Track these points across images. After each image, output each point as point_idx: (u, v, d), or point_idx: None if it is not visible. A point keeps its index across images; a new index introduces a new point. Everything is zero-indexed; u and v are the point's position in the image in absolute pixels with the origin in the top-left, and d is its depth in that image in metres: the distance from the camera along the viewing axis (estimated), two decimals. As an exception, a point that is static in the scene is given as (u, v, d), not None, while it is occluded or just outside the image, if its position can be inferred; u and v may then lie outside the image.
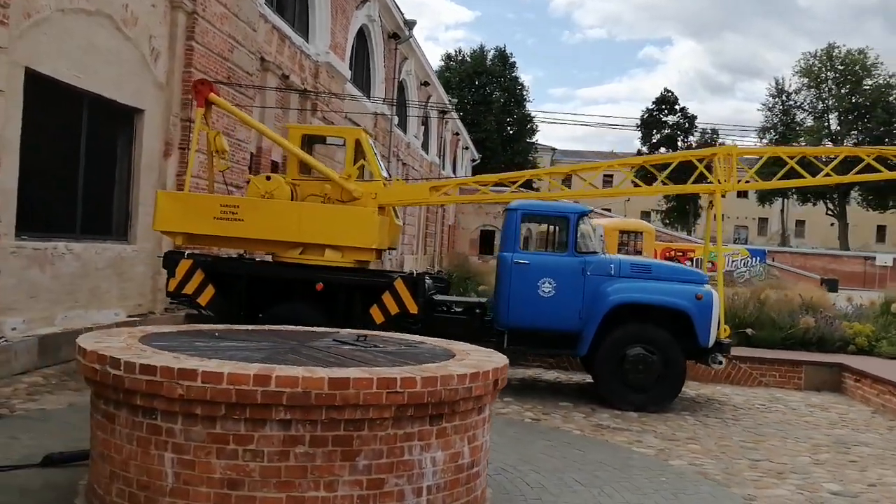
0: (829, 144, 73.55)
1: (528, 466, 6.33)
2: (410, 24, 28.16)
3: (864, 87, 71.30)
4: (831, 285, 40.69)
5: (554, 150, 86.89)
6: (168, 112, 12.63)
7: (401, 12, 26.90)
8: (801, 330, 12.76)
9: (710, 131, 74.36)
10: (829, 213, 75.79)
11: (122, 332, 5.50)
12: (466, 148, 55.19)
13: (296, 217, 9.56)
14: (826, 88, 73.50)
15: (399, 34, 27.66)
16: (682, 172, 10.16)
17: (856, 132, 71.61)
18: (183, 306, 10.10)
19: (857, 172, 10.08)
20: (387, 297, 9.07)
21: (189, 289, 9.22)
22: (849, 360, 11.79)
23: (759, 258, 55.44)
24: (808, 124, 74.51)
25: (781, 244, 76.29)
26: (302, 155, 10.09)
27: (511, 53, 75.74)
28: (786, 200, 79.06)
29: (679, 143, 73.05)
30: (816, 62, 73.78)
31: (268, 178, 9.97)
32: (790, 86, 75.56)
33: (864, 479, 6.77)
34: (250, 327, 6.49)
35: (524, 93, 76.21)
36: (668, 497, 5.82)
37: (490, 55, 75.83)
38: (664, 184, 10.51)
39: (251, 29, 15.30)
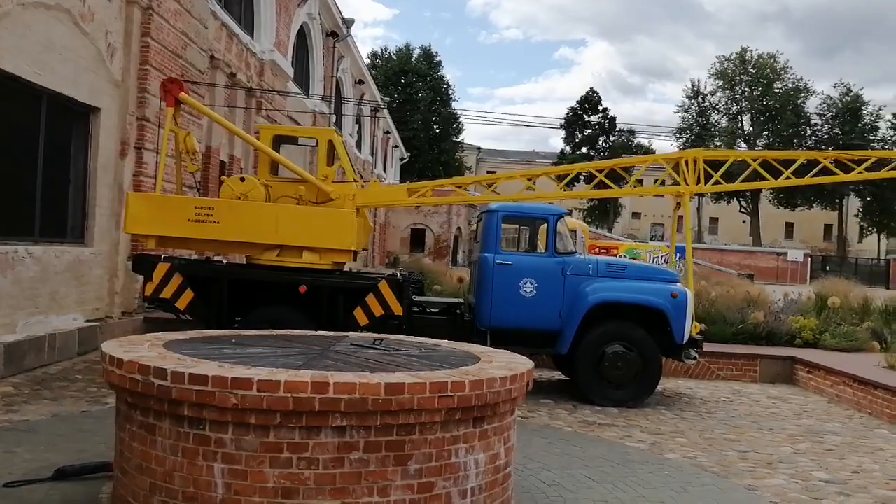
0: (743, 145, 76.55)
1: (535, 464, 6.44)
2: (349, 23, 28.00)
3: (775, 90, 74.39)
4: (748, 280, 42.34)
5: (479, 149, 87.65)
6: (124, 110, 12.26)
7: (339, 11, 26.72)
8: (752, 325, 13.29)
9: (626, 132, 76.57)
10: (743, 210, 78.77)
11: (144, 340, 5.35)
12: (396, 146, 55.16)
13: (273, 219, 9.43)
14: (739, 91, 76.35)
15: (337, 32, 27.47)
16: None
17: (767, 133, 74.65)
18: (160, 311, 9.82)
19: (814, 175, 10.58)
20: (371, 300, 9.05)
21: (167, 293, 8.99)
22: (798, 353, 12.35)
23: (680, 254, 57.44)
24: (723, 125, 77.25)
25: (696, 241, 78.86)
26: (277, 157, 9.96)
27: (436, 52, 75.88)
28: (701, 199, 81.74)
29: (600, 143, 74.73)
30: (730, 65, 76.56)
31: (242, 179, 9.80)
32: (705, 88, 78.25)
33: (845, 466, 7.15)
34: (261, 332, 6.39)
35: (450, 91, 76.56)
36: (678, 490, 6.02)
37: (415, 54, 75.89)
38: (627, 187, 10.76)
39: (203, 26, 14.98)
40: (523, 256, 9.58)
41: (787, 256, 63.67)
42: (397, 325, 9.05)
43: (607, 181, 10.37)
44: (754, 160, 10.51)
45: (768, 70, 74.80)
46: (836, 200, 74.00)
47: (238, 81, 17.87)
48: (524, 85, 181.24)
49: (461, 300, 10.62)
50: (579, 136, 74.44)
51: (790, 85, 74.70)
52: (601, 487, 5.95)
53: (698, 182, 10.04)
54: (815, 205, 75.30)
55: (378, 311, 9.01)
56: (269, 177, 10.14)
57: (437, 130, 74.30)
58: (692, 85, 79.01)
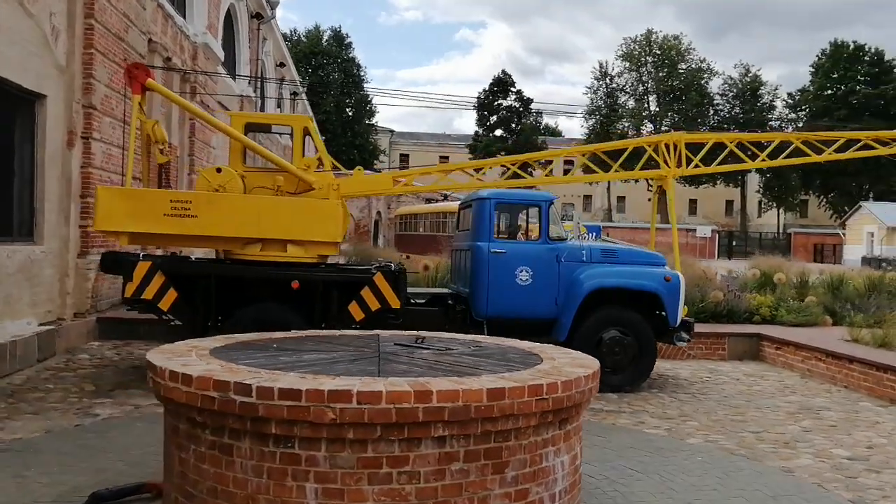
0: (650, 126, 78.63)
1: (572, 458, 6.32)
2: (273, 4, 27.12)
3: (679, 70, 76.57)
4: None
5: (392, 131, 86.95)
6: (70, 98, 11.44)
7: (264, -9, 25.85)
8: (713, 303, 13.58)
9: (534, 112, 77.47)
10: (650, 188, 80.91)
11: (183, 349, 4.94)
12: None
13: (255, 211, 8.97)
14: (645, 72, 78.24)
15: (262, 14, 26.57)
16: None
17: (672, 113, 76.84)
18: (141, 312, 9.20)
19: (787, 156, 10.84)
20: (366, 293, 8.72)
21: (149, 293, 8.41)
22: (762, 330, 12.69)
23: (595, 234, 58.59)
24: (631, 106, 79.07)
25: (605, 220, 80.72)
26: (254, 146, 9.47)
27: (347, 34, 74.72)
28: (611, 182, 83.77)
29: (514, 125, 75.27)
30: (636, 47, 78.34)
31: (218, 170, 9.26)
32: (613, 69, 79.81)
33: (857, 442, 7.33)
34: (288, 335, 6.03)
35: (361, 74, 75.64)
36: (721, 477, 6.02)
37: (326, 35, 74.56)
38: (613, 170, 10.75)
39: (141, 7, 14.16)
40: (517, 244, 9.43)
41: (695, 233, 65.82)
42: (393, 318, 8.76)
43: (592, 166, 10.31)
44: (734, 143, 10.65)
45: (673, 52, 76.90)
46: (739, 178, 76.95)
47: (173, 65, 16.98)
48: (426, 66, 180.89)
49: (446, 290, 10.38)
50: (493, 118, 74.68)
51: (693, 66, 77.03)
52: (649, 479, 5.90)
53: (679, 165, 10.09)
54: (718, 182, 78.09)
55: (374, 304, 8.70)
56: (241, 167, 9.64)
57: (351, 114, 73.37)
58: (600, 67, 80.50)
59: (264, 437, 4.00)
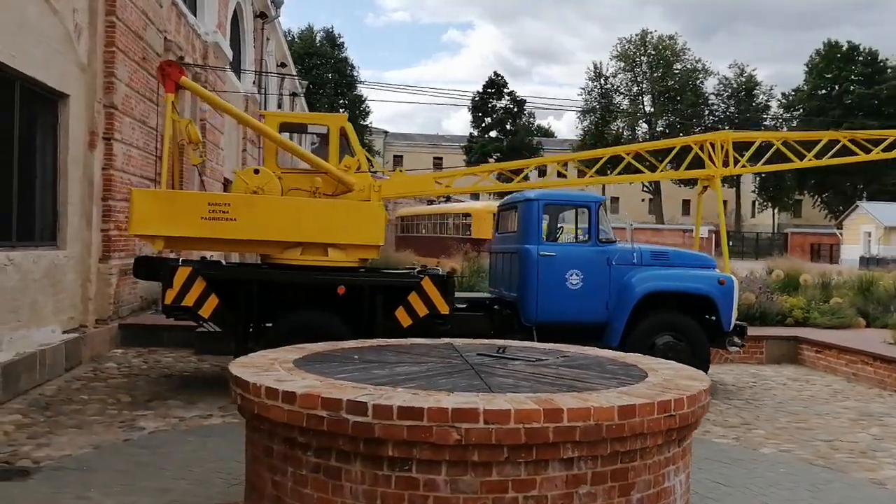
0: (645, 125, 78.62)
1: (652, 471, 6.03)
2: (278, 3, 26.75)
3: (675, 70, 76.55)
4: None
5: (386, 132, 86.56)
6: (92, 97, 11.07)
7: (270, -10, 25.48)
8: (745, 306, 13.31)
9: (527, 114, 77.31)
10: (646, 189, 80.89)
11: (269, 362, 4.62)
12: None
13: (295, 214, 8.64)
14: (640, 72, 78.19)
15: (267, 13, 26.18)
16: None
17: (668, 113, 76.82)
18: (177, 320, 8.84)
19: (833, 156, 10.61)
20: (414, 298, 8.40)
21: (189, 300, 8.06)
22: (800, 333, 12.44)
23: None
24: (625, 106, 79.02)
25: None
26: (293, 146, 9.14)
27: (339, 34, 74.34)
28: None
29: (509, 127, 75.04)
30: (631, 47, 78.27)
31: (256, 171, 8.93)
32: (607, 70, 79.71)
33: (935, 450, 7.08)
34: (368, 344, 5.71)
35: (354, 74, 75.27)
36: (812, 490, 5.76)
37: (319, 36, 74.16)
38: (660, 169, 10.49)
39: (158, 4, 13.80)
40: (567, 247, 9.14)
41: (692, 233, 65.81)
42: (441, 324, 8.45)
43: (640, 166, 10.03)
44: (780, 142, 10.41)
45: (668, 52, 76.88)
46: (734, 177, 77.00)
47: (186, 65, 16.61)
48: (415, 67, 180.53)
49: (486, 295, 10.04)
50: (487, 119, 74.42)
51: (689, 66, 77.03)
52: (739, 493, 5.63)
53: (726, 164, 9.83)
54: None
55: (422, 310, 8.38)
56: (277, 168, 9.31)
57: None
58: (594, 67, 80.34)
59: (378, 459, 3.68)
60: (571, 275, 8.86)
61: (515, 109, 74.09)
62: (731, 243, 67.64)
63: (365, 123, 75.69)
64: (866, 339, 11.76)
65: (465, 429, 3.55)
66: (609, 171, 12.25)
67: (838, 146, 10.53)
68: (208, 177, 19.08)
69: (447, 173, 9.88)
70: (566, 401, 3.75)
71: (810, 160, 10.41)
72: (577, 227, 9.19)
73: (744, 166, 9.97)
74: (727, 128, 77.13)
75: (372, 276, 8.72)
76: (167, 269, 8.11)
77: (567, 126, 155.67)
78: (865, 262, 48.81)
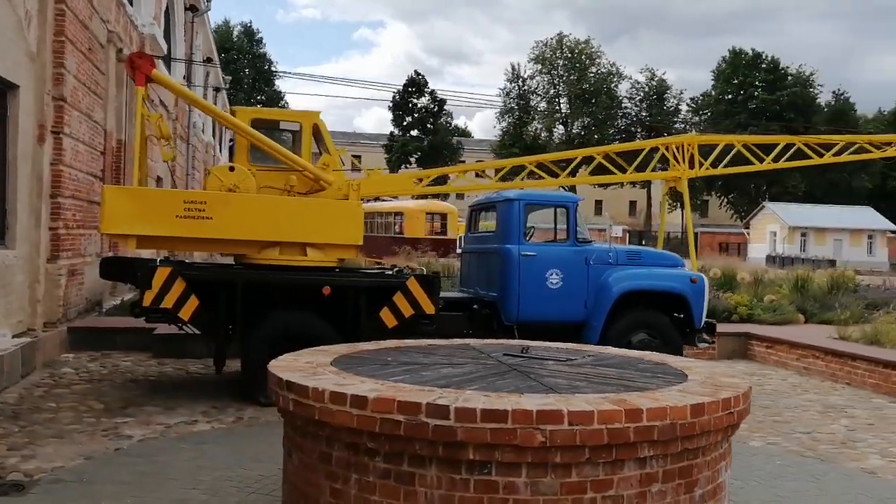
0: (561, 127, 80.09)
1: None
2: (208, -4, 26.03)
3: (590, 74, 78.22)
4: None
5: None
6: (41, 89, 10.50)
7: (200, -18, 24.76)
8: (694, 303, 13.70)
9: (446, 114, 77.65)
10: (563, 189, 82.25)
11: (310, 365, 4.48)
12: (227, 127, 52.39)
13: (273, 213, 8.42)
14: (557, 75, 79.56)
15: (197, 6, 25.44)
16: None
17: (583, 115, 78.44)
18: (148, 322, 8.46)
19: (789, 159, 11.03)
20: (399, 299, 8.28)
21: (168, 302, 7.72)
22: (750, 329, 12.90)
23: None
24: (543, 108, 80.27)
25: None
26: (270, 143, 8.87)
27: (258, 29, 72.95)
28: (524, 179, 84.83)
29: (429, 126, 75.11)
30: (548, 50, 79.53)
31: (231, 168, 8.65)
32: (525, 72, 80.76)
33: (909, 442, 7.46)
34: (390, 345, 5.60)
35: (273, 70, 73.99)
36: (814, 481, 5.98)
37: (236, 31, 72.55)
38: (630, 171, 10.67)
39: (101, -7, 13.22)
40: (547, 247, 9.20)
41: (606, 233, 67.44)
42: (427, 324, 8.38)
43: (610, 167, 10.20)
44: (741, 144, 10.76)
45: (583, 55, 78.47)
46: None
47: (123, 57, 15.96)
48: (325, 65, 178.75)
49: (461, 294, 9.99)
50: (408, 118, 74.31)
51: (603, 70, 78.82)
52: (750, 486, 5.78)
53: (692, 167, 10.11)
54: (625, 184, 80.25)
55: (408, 311, 8.28)
56: (248, 166, 9.05)
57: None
58: (512, 69, 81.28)
59: (456, 463, 3.63)
60: (551, 274, 8.94)
61: (436, 109, 74.20)
62: (643, 242, 69.79)
63: (285, 120, 74.33)
64: (811, 334, 12.29)
65: (550, 430, 3.53)
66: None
67: (793, 149, 10.98)
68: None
69: (425, 172, 9.82)
70: (641, 401, 3.78)
71: (769, 163, 10.82)
72: (555, 227, 9.27)
73: (707, 168, 10.25)
74: (639, 130, 79.57)
75: (358, 277, 8.58)
76: (146, 270, 7.76)
77: (479, 126, 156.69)
78: (772, 260, 51.12)
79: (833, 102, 79.66)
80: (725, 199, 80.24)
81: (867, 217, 62.96)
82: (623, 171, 10.32)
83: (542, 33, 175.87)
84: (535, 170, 10.12)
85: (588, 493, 3.67)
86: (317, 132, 9.41)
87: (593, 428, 3.57)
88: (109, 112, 14.59)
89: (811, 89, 77.86)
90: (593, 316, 9.03)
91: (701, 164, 10.20)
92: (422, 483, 3.69)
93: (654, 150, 10.36)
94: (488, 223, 9.60)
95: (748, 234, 64.36)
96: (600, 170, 10.46)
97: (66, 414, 7.44)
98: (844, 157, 11.21)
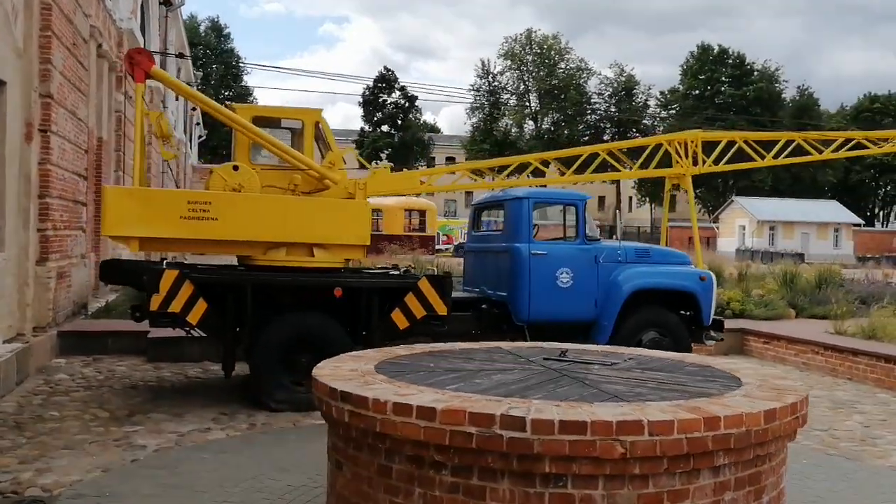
0: (531, 124, 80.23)
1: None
2: (182, -10, 25.55)
3: (559, 69, 78.42)
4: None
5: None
6: (28, 85, 10.16)
7: (174, -25, 24.29)
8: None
9: (416, 109, 77.43)
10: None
11: (360, 374, 4.31)
12: (198, 123, 51.80)
13: (280, 213, 8.22)
14: (526, 70, 79.64)
15: (172, 0, 24.97)
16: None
17: (553, 111, 78.63)
18: (152, 325, 8.17)
19: (788, 155, 11.07)
20: (411, 300, 8.12)
21: (176, 306, 7.48)
22: (741, 324, 12.95)
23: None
24: (513, 103, 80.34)
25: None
26: (274, 141, 8.65)
27: (226, 24, 72.02)
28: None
29: (399, 122, 74.81)
30: (517, 45, 79.57)
31: (235, 168, 8.41)
32: (495, 67, 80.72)
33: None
34: (425, 349, 5.45)
35: (241, 65, 73.15)
36: (845, 480, 5.96)
37: (203, 26, 71.57)
38: (635, 168, 10.62)
39: (84, -14, 12.85)
40: (557, 245, 9.11)
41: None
42: (438, 325, 8.24)
43: (616, 164, 10.13)
44: (742, 141, 10.77)
45: (552, 51, 78.65)
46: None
47: (104, 53, 15.58)
48: (289, 60, 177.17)
49: (466, 294, 9.86)
50: (379, 114, 73.89)
51: (572, 65, 79.09)
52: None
53: (695, 163, 10.09)
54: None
55: (420, 312, 8.13)
56: (250, 165, 8.82)
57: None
58: (482, 65, 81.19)
59: (530, 476, 3.51)
60: (562, 273, 8.85)
61: (406, 105, 73.92)
62: (612, 237, 70.36)
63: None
64: (805, 329, 12.38)
65: (630, 441, 3.42)
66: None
67: (793, 146, 11.02)
68: (124, 172, 18.04)
69: (430, 171, 9.69)
70: (715, 408, 3.69)
71: (770, 160, 10.85)
72: (564, 225, 9.18)
73: (710, 165, 10.24)
74: (609, 126, 80.00)
75: (369, 278, 8.40)
76: (152, 274, 7.51)
77: (446, 121, 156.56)
78: (741, 253, 51.71)
79: (798, 98, 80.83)
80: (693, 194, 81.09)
81: (833, 210, 64.06)
82: (603, 168, 10.29)
83: (507, 29, 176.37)
84: (540, 167, 10.02)
85: (664, 504, 3.58)
86: (318, 130, 9.21)
87: (673, 438, 3.47)
88: (91, 109, 14.22)
89: (776, 84, 78.90)
90: (603, 315, 8.96)
91: (704, 162, 10.19)
92: (493, 497, 3.56)
93: (659, 146, 10.32)
94: (494, 222, 9.46)
95: (717, 228, 65.06)
96: (600, 167, 10.40)
97: (72, 423, 7.19)
98: (842, 154, 11.30)
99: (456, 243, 54.02)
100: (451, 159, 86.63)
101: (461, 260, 28.32)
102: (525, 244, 8.86)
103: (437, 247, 35.94)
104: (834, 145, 11.11)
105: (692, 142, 10.16)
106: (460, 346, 5.82)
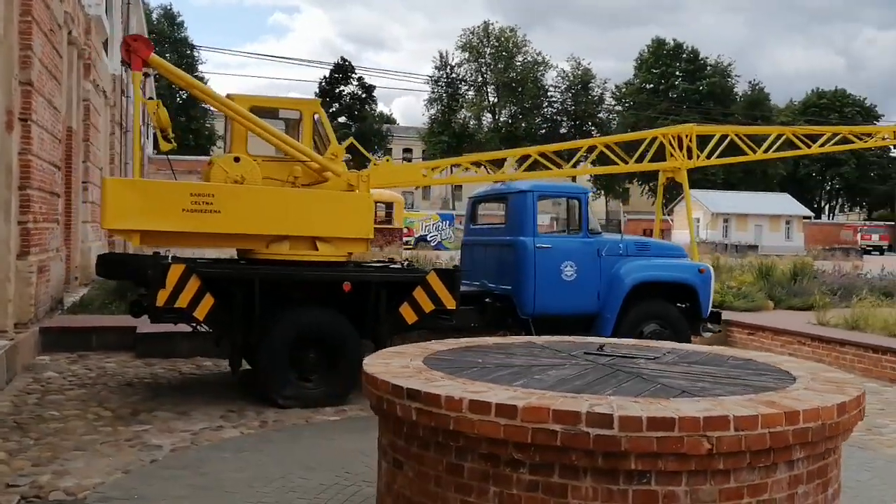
0: (489, 115, 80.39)
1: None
2: (144, -24, 24.89)
3: (517, 62, 78.68)
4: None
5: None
6: (9, 73, 9.77)
7: (136, -39, 23.66)
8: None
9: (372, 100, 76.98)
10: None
11: (415, 371, 4.23)
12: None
13: (283, 206, 8.05)
14: (484, 63, 79.74)
15: (134, -14, 24.34)
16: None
17: (510, 104, 78.89)
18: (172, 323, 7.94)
19: (778, 149, 11.23)
20: (419, 294, 8.02)
21: (183, 301, 7.26)
22: (727, 316, 13.12)
23: (448, 222, 59.23)
24: (471, 96, 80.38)
25: (443, 208, 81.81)
26: (275, 132, 8.46)
27: (179, 12, 70.56)
28: (452, 168, 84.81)
29: (357, 113, 74.29)
30: (475, 38, 79.57)
31: (236, 159, 8.20)
32: (453, 60, 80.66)
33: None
34: (467, 344, 5.36)
35: (195, 55, 71.83)
36: (869, 470, 6.07)
37: (156, 14, 70.03)
38: (632, 162, 10.65)
39: (59, -29, 12.43)
40: (561, 239, 9.10)
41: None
42: (447, 319, 8.17)
43: (614, 157, 10.16)
44: (734, 134, 10.90)
45: (510, 44, 78.85)
46: (572, 167, 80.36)
47: (74, 40, 15.11)
48: (239, 48, 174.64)
49: (473, 288, 9.76)
50: (336, 105, 73.22)
51: (530, 59, 79.41)
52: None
53: (689, 156, 10.18)
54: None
55: (428, 306, 8.04)
56: (247, 156, 8.62)
57: (184, 97, 69.38)
58: (440, 57, 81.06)
59: (614, 473, 3.47)
60: (566, 266, 8.85)
61: (364, 95, 73.43)
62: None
63: (206, 107, 72.33)
64: (788, 319, 12.60)
65: (717, 437, 3.41)
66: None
67: (783, 139, 11.20)
68: (91, 163, 17.55)
69: (433, 163, 9.59)
70: (790, 402, 3.70)
71: (761, 153, 11.01)
72: (568, 219, 9.17)
73: (704, 159, 10.34)
74: (566, 120, 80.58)
75: (378, 272, 8.29)
76: (158, 268, 7.28)
77: (400, 112, 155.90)
78: (698, 246, 52.59)
79: (749, 92, 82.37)
80: (647, 187, 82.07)
81: (785, 203, 65.53)
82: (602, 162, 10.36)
83: (459, 22, 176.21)
84: (539, 158, 10.01)
85: (745, 499, 3.58)
86: (317, 121, 9.04)
87: (757, 433, 3.47)
88: (63, 98, 13.80)
89: (729, 79, 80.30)
90: (606, 308, 8.99)
91: (698, 156, 10.28)
92: (575, 494, 3.52)
93: (654, 139, 10.38)
94: (494, 215, 9.41)
95: (672, 220, 66.01)
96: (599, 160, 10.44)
97: (76, 423, 6.95)
98: (829, 148, 11.52)
99: (416, 236, 54.05)
100: (408, 150, 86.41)
101: (438, 253, 28.08)
102: (530, 237, 8.83)
103: (404, 239, 35.73)
104: (822, 139, 11.32)
105: (687, 135, 10.25)
106: (492, 340, 5.76)
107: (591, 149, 9.98)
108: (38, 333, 10.47)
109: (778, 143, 11.17)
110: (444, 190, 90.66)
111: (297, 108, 9.08)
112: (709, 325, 9.67)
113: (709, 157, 10.52)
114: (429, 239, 55.69)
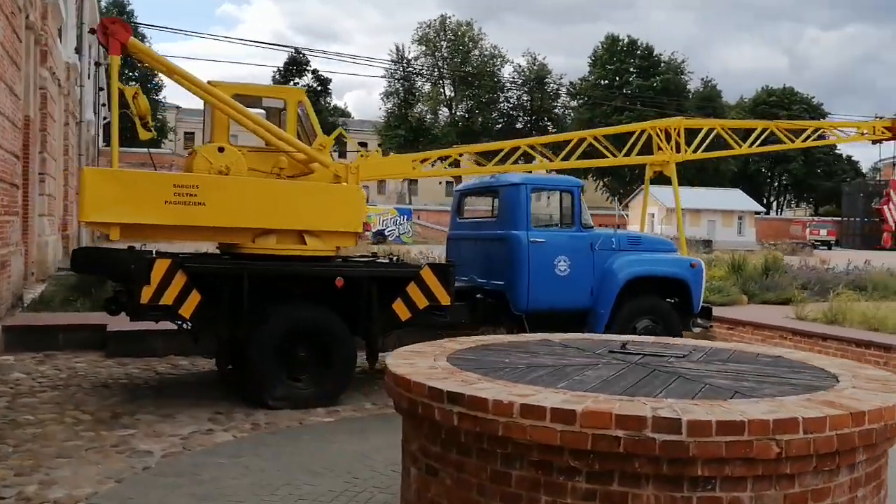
0: (445, 109, 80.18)
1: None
2: (99, -39, 24.04)
3: (473, 56, 78.59)
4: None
5: (178, 108, 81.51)
6: (-29, 57, 9.27)
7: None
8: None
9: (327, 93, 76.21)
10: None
11: (448, 371, 3.98)
12: (104, 104, 49.29)
13: (271, 198, 7.72)
14: (441, 57, 79.48)
15: (88, -29, 23.49)
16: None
17: (467, 99, 78.79)
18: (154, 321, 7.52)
19: (762, 144, 11.23)
20: (413, 290, 7.76)
21: (168, 298, 6.88)
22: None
23: (406, 216, 58.88)
24: (427, 90, 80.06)
25: (407, 202, 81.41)
26: (262, 122, 8.10)
27: (129, 2, 68.85)
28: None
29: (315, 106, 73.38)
30: (431, 31, 79.25)
31: (221, 149, 7.82)
32: (409, 53, 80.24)
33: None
34: (488, 342, 5.12)
35: (149, 46, 70.01)
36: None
37: (105, 2, 68.07)
38: (621, 156, 10.50)
39: (19, -49, 11.84)
40: (554, 233, 8.89)
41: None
42: (440, 315, 7.92)
43: (606, 150, 10.02)
44: (721, 128, 10.85)
45: (466, 38, 78.72)
46: (534, 161, 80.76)
47: (31, 24, 14.45)
48: (186, 42, 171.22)
49: (464, 283, 9.51)
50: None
51: (486, 53, 79.39)
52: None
53: (677, 150, 10.08)
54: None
55: (422, 302, 7.78)
56: (230, 145, 8.25)
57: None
58: (397, 50, 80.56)
59: (678, 480, 3.28)
60: (560, 261, 8.66)
61: (320, 88, 72.58)
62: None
63: (158, 98, 70.87)
64: (765, 314, 12.64)
65: (786, 440, 3.24)
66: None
67: (767, 133, 11.19)
68: (48, 154, 16.86)
69: (424, 155, 9.32)
70: (851, 403, 3.55)
71: (746, 148, 10.99)
72: (561, 212, 8.99)
73: (694, 151, 10.27)
74: (521, 115, 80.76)
75: (368, 267, 7.99)
76: (142, 263, 6.88)
77: (352, 105, 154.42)
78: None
79: (702, 89, 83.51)
80: (602, 183, 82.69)
81: (737, 199, 66.61)
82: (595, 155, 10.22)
83: (413, 16, 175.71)
84: (530, 150, 9.82)
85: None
86: (302, 110, 8.70)
87: (825, 435, 3.31)
88: (22, 84, 13.19)
89: (682, 76, 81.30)
90: (599, 303, 8.84)
91: (685, 150, 10.20)
92: (635, 503, 3.32)
93: (642, 132, 10.27)
94: (483, 208, 9.19)
95: (627, 216, 66.62)
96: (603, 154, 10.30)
97: (54, 428, 6.55)
98: (810, 143, 11.57)
99: (373, 230, 53.54)
100: (363, 144, 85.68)
101: (409, 248, 27.66)
102: (523, 232, 8.62)
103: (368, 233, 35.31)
104: (804, 135, 11.37)
105: (675, 129, 10.16)
106: (507, 339, 5.55)
107: (580, 141, 9.81)
108: (1, 332, 9.96)
109: (763, 137, 11.18)
110: (399, 184, 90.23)
111: (282, 96, 8.74)
112: (699, 321, 9.59)
113: (695, 150, 10.46)
114: (387, 234, 55.22)
